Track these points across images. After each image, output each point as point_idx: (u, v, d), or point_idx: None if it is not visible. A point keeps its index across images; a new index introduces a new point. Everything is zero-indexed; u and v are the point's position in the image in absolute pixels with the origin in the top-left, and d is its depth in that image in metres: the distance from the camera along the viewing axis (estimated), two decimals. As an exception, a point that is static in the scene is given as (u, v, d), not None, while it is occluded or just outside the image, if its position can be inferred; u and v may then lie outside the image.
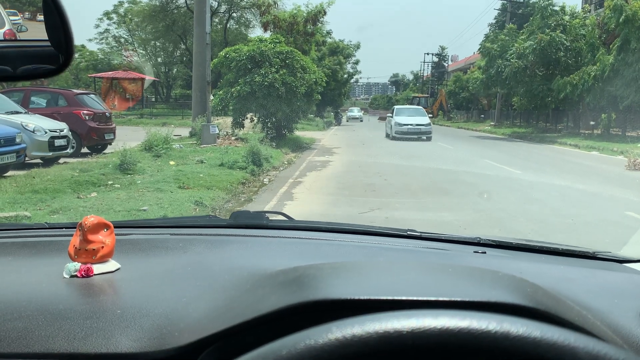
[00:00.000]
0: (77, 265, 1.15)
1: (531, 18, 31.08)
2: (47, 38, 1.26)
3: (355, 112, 62.63)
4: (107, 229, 1.22)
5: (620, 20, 21.63)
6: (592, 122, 26.32)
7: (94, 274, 1.15)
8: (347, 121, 53.52)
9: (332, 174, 11.83)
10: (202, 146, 14.52)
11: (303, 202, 8.33)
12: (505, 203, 8.26)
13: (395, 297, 0.75)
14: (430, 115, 60.40)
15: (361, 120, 55.72)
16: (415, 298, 0.74)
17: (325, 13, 24.86)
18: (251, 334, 0.78)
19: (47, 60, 1.25)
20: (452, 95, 58.59)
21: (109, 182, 8.59)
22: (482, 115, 50.89)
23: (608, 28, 23.70)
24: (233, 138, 16.63)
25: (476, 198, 8.74)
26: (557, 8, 29.82)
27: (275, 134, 18.37)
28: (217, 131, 15.92)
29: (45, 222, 1.78)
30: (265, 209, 7.46)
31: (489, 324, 0.57)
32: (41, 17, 1.31)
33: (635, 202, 8.60)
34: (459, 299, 0.73)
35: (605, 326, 0.91)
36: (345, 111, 65.47)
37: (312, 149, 18.58)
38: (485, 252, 1.48)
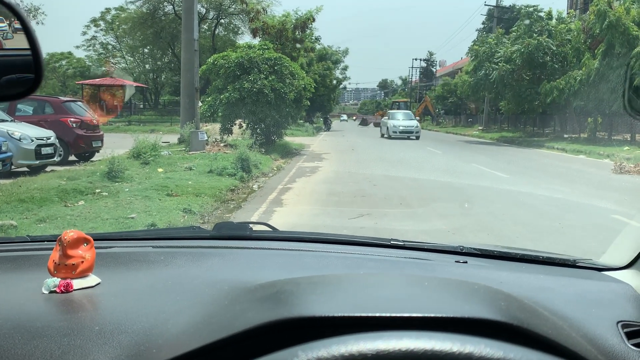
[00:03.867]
0: (56, 280, 1.14)
1: (517, 22, 31.43)
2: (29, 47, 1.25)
3: (401, 118, 31.81)
4: (87, 244, 1.21)
5: (604, 25, 21.93)
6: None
7: (74, 290, 1.14)
8: (387, 136, 30.83)
9: (321, 179, 11.84)
10: (190, 153, 14.47)
11: (292, 209, 8.32)
12: (494, 208, 8.31)
13: (369, 314, 0.75)
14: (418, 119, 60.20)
15: (416, 137, 29.97)
16: (388, 315, 0.74)
17: (314, 20, 24.98)
18: (228, 350, 0.78)
19: (30, 70, 1.24)
20: (441, 100, 59.00)
21: (97, 190, 8.53)
22: (470, 120, 51.28)
23: (593, 33, 24.01)
24: (222, 144, 16.59)
25: (464, 203, 8.79)
26: (542, 14, 30.20)
27: (264, 140, 18.37)
28: (206, 138, 15.89)
29: (27, 235, 1.76)
30: (254, 217, 7.46)
31: (453, 346, 0.57)
32: None
33: (622, 205, 8.69)
34: (431, 315, 0.74)
35: (581, 337, 0.92)
36: (381, 117, 44.40)
37: (301, 155, 18.58)
38: (466, 262, 1.49)
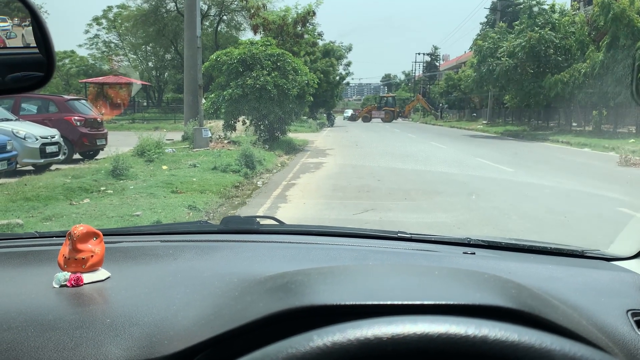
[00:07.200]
0: (66, 274, 1.15)
1: (519, 16, 31.30)
2: (35, 45, 1.26)
3: None
4: (96, 238, 1.22)
5: (609, 17, 21.81)
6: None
7: (84, 283, 1.15)
8: None
9: (325, 175, 11.84)
10: (194, 150, 14.49)
11: (297, 204, 8.33)
12: (498, 201, 8.30)
13: (380, 302, 0.75)
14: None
15: None
16: (399, 302, 0.75)
17: (314, 14, 24.89)
18: (239, 341, 0.78)
19: (35, 68, 1.24)
20: (444, 94, 58.84)
21: (102, 188, 8.55)
22: (475, 114, 51.10)
23: (597, 25, 23.88)
24: (226, 141, 16.61)
25: (469, 197, 8.79)
26: (545, 7, 30.03)
27: (268, 137, 18.36)
28: (210, 135, 15.89)
29: (35, 231, 1.77)
30: (259, 212, 7.46)
31: (468, 329, 0.58)
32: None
33: (627, 198, 8.66)
34: (443, 302, 0.74)
35: (591, 325, 0.92)
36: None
37: (305, 151, 18.58)
38: (474, 253, 1.49)
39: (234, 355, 0.71)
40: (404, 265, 1.29)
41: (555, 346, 0.56)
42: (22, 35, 1.38)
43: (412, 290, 0.83)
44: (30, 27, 1.32)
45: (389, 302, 0.75)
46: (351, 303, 0.76)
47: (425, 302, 0.74)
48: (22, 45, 1.46)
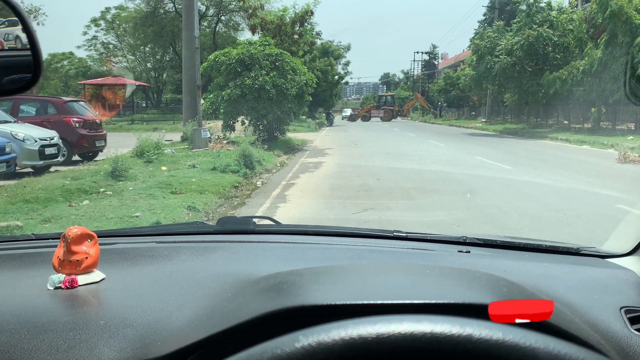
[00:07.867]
0: (61, 276, 1.15)
1: (517, 14, 31.32)
2: (22, 47, 1.26)
3: None
4: (91, 240, 1.22)
5: (606, 14, 21.82)
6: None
7: (79, 285, 1.15)
8: None
9: (325, 174, 11.84)
10: (193, 150, 14.49)
11: (296, 204, 8.33)
12: (497, 199, 8.30)
13: (371, 302, 0.76)
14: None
15: None
16: (390, 302, 0.75)
17: (312, 13, 24.91)
18: (232, 341, 0.78)
19: (23, 70, 1.25)
20: (443, 92, 58.84)
21: (101, 190, 8.56)
22: (473, 113, 51.10)
23: (595, 23, 23.89)
24: (225, 142, 16.61)
25: (467, 195, 8.79)
26: (542, 4, 30.04)
27: (267, 137, 18.36)
28: (209, 135, 15.89)
29: (32, 233, 1.77)
30: (258, 212, 7.47)
31: (452, 328, 0.58)
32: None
33: (626, 195, 8.67)
34: (432, 301, 0.74)
35: (584, 322, 0.92)
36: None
37: (304, 151, 18.58)
38: (469, 252, 1.49)
39: (227, 355, 0.72)
40: (397, 264, 1.29)
41: (539, 344, 0.56)
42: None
43: (403, 289, 0.83)
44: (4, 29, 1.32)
45: (379, 302, 0.75)
46: (342, 303, 0.76)
47: (415, 301, 0.74)
48: (19, 47, 1.47)
